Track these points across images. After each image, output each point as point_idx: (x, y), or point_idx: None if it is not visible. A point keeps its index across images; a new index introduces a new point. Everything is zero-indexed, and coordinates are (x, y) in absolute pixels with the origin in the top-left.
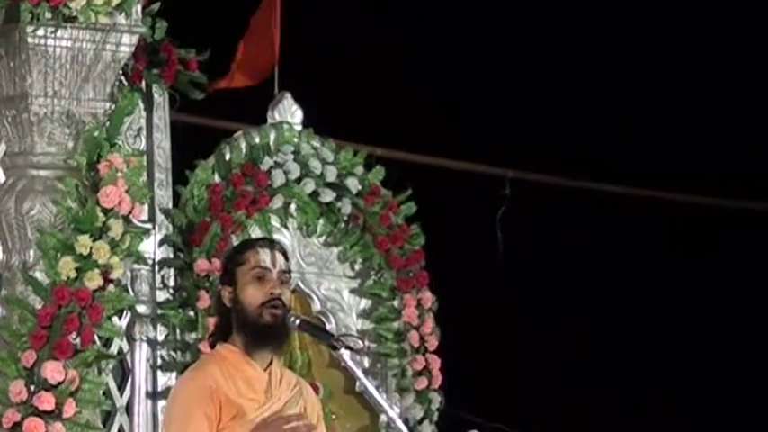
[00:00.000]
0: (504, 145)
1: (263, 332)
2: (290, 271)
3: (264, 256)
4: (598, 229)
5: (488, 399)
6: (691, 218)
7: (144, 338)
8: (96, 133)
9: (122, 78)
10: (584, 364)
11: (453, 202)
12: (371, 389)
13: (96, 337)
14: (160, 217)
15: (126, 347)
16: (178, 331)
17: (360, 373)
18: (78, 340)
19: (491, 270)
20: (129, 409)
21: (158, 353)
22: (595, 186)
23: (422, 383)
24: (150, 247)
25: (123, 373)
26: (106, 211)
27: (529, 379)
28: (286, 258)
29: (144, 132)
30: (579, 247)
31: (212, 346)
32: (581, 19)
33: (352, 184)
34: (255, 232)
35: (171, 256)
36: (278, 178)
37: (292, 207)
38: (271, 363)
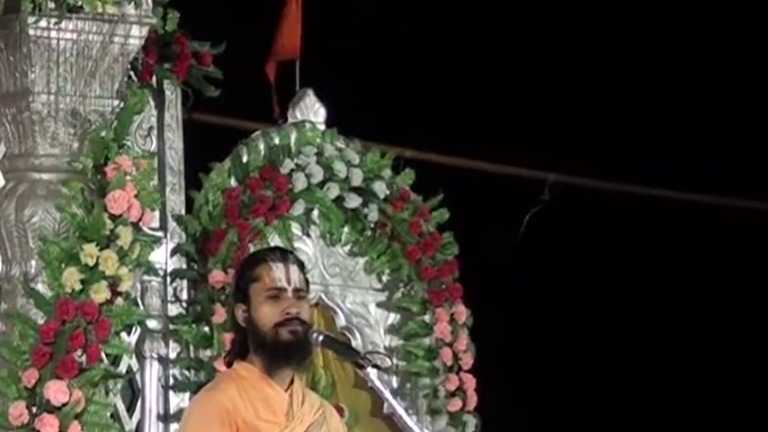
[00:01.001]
0: (546, 146)
1: (283, 350)
2: (307, 285)
3: (278, 273)
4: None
5: (525, 421)
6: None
7: (155, 356)
8: (103, 133)
9: (131, 74)
10: (620, 384)
11: (489, 208)
12: (401, 411)
13: (103, 355)
14: (172, 224)
15: (135, 366)
16: (192, 348)
17: (388, 394)
18: (84, 358)
19: (529, 281)
20: None
21: (170, 372)
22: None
23: (455, 405)
24: (161, 256)
25: (133, 394)
26: (114, 218)
27: (569, 400)
28: (302, 269)
29: (155, 132)
30: (621, 252)
31: (229, 365)
32: (628, 20)
33: (380, 188)
34: (275, 240)
35: (184, 266)
36: (299, 182)
37: (315, 213)
38: (292, 382)
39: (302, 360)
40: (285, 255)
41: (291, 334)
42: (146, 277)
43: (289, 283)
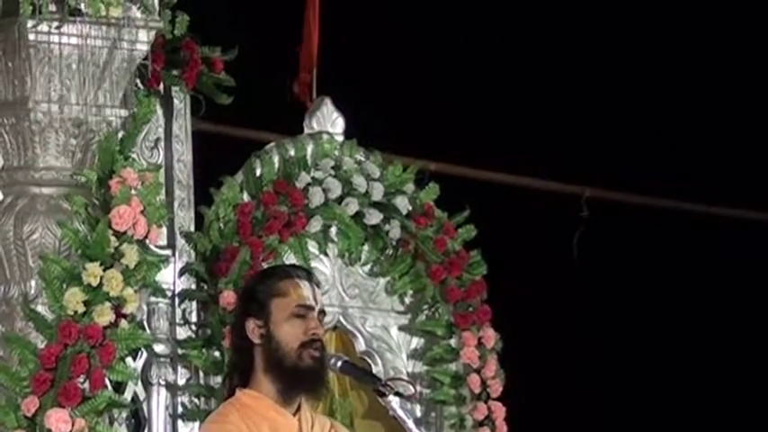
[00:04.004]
0: (581, 159)
1: (301, 376)
2: (324, 310)
3: (307, 291)
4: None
5: None
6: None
7: (162, 383)
8: (108, 144)
9: (138, 81)
10: (670, 414)
11: (520, 225)
12: None
13: (108, 381)
14: (181, 242)
15: (142, 393)
16: (201, 374)
17: (411, 424)
18: (87, 385)
19: (565, 303)
20: None
21: (179, 399)
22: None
23: None
24: (169, 276)
25: (138, 423)
26: (119, 235)
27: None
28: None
29: (162, 143)
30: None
31: (230, 388)
32: (668, 33)
33: (402, 203)
34: (290, 259)
35: (193, 287)
36: (316, 197)
37: (333, 230)
38: (299, 408)
39: (319, 387)
40: (309, 274)
41: (313, 360)
42: (152, 298)
43: (315, 302)
